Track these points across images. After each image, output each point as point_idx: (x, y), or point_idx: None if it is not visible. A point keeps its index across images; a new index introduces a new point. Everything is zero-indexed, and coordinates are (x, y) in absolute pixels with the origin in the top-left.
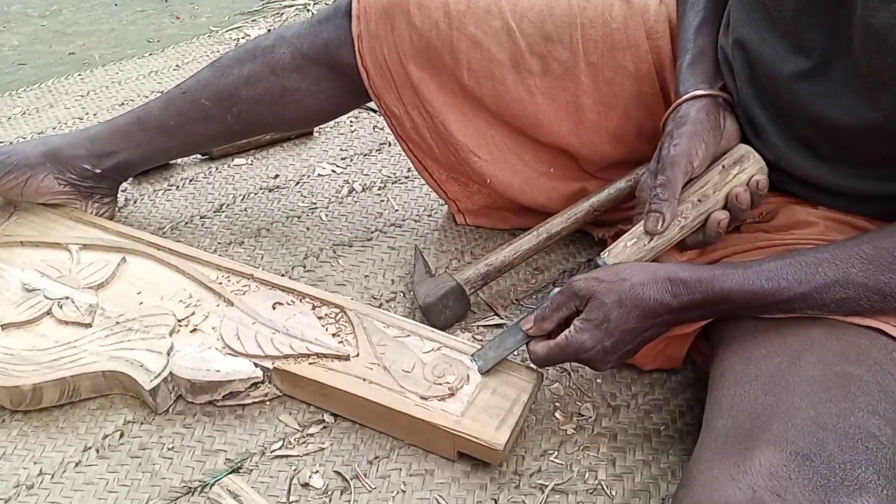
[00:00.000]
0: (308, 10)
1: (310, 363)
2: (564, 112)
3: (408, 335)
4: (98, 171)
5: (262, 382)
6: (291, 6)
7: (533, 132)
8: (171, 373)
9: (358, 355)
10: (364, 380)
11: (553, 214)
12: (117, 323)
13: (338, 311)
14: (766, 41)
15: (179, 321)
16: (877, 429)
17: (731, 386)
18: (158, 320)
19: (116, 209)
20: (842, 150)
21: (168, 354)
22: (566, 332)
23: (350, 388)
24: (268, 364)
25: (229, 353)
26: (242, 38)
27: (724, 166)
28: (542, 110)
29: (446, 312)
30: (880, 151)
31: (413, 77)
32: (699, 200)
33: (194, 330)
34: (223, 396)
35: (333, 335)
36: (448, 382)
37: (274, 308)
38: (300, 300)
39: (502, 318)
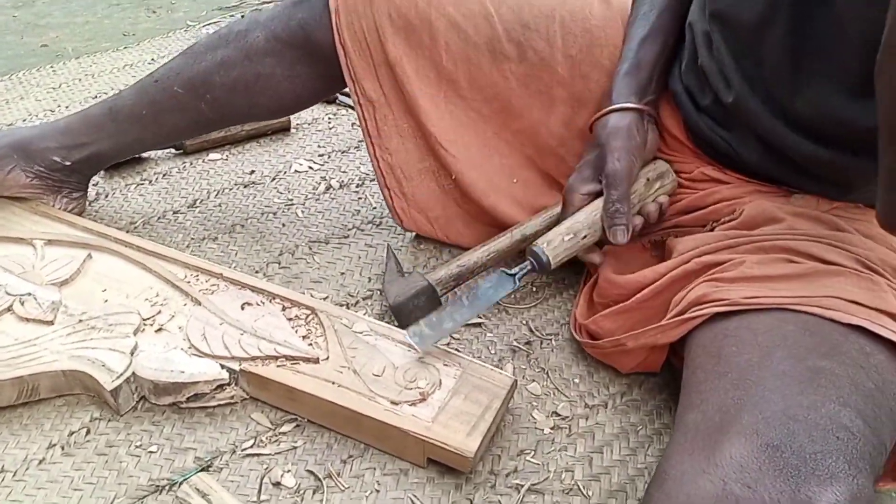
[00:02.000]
0: None
1: (277, 365)
2: (538, 101)
3: (380, 338)
4: (68, 163)
5: (228, 384)
6: (270, 1)
7: (505, 116)
8: (133, 373)
9: (328, 358)
10: (333, 383)
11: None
12: (80, 321)
13: (309, 312)
14: (742, 4)
15: (144, 320)
16: (848, 420)
17: (701, 382)
18: (123, 319)
19: (87, 204)
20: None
21: (131, 354)
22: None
23: (318, 391)
24: (234, 366)
25: (195, 354)
26: None
27: (648, 179)
28: (516, 95)
29: (417, 312)
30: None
31: (391, 56)
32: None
33: (160, 329)
34: (187, 398)
35: (303, 337)
36: (420, 387)
37: (243, 308)
38: (270, 301)
39: (479, 318)
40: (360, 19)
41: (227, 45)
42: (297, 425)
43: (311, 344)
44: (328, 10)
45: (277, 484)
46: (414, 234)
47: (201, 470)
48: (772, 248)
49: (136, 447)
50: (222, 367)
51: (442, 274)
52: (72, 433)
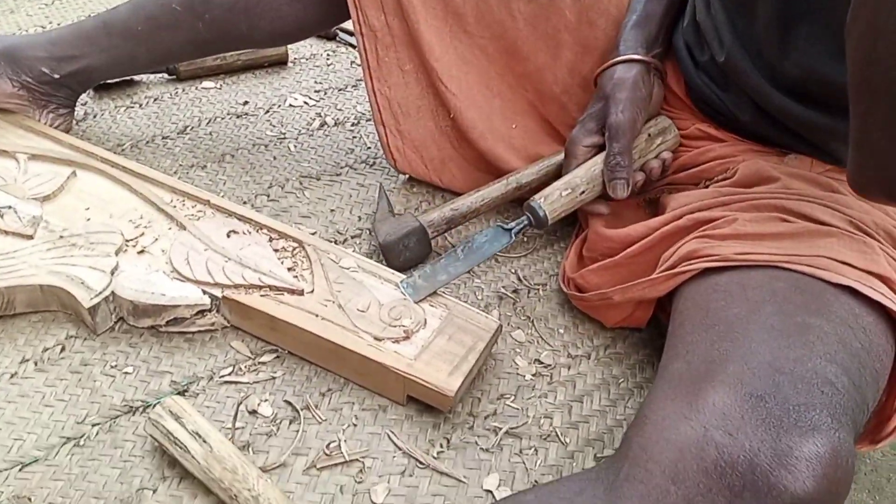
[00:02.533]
0: None
1: (261, 295)
2: (543, 43)
3: (367, 275)
4: (57, 76)
5: (210, 311)
6: None
7: (510, 58)
8: (113, 292)
9: (312, 291)
10: (316, 316)
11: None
12: (61, 237)
13: (296, 245)
14: None
15: (127, 241)
16: (834, 376)
17: (687, 333)
18: (104, 238)
19: (73, 122)
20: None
21: (112, 273)
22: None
23: (301, 322)
24: (216, 292)
25: (177, 278)
26: None
27: (650, 134)
28: (523, 36)
29: (406, 253)
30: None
31: None
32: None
33: (142, 251)
34: (167, 322)
35: (289, 269)
36: (404, 326)
37: (228, 236)
38: (257, 230)
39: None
40: None
41: None
42: (278, 356)
43: (296, 276)
44: None
45: (254, 412)
46: (407, 176)
47: (177, 394)
48: (765, 207)
49: (112, 367)
50: (204, 292)
51: (434, 216)
52: (46, 349)
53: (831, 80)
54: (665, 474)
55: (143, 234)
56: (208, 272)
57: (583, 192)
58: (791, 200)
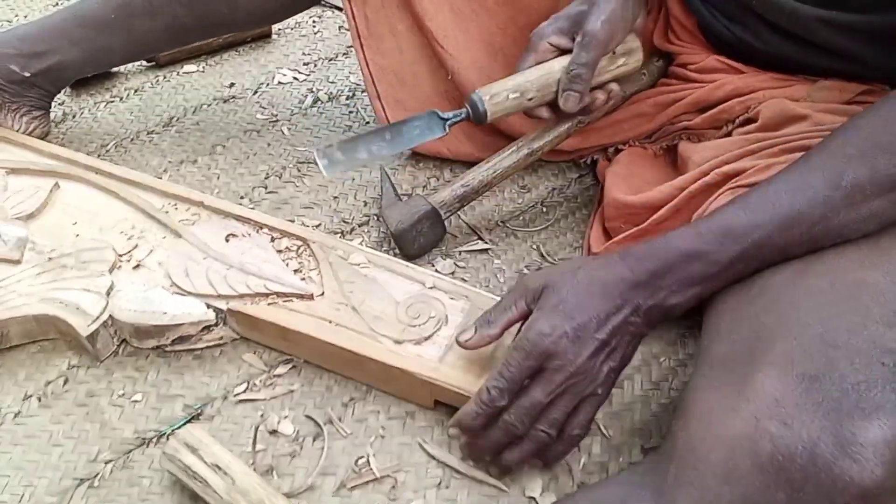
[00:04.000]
0: None
1: (269, 303)
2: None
3: (379, 270)
4: (27, 74)
5: (216, 325)
6: None
7: (511, 9)
8: (111, 316)
9: (323, 294)
10: (330, 322)
11: (507, 141)
12: (50, 259)
13: (300, 243)
14: None
15: (120, 256)
16: (894, 342)
17: (729, 309)
18: (96, 255)
19: (51, 125)
20: None
21: (108, 294)
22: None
23: (314, 331)
24: (221, 305)
25: (177, 293)
26: None
27: (614, 52)
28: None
29: (420, 239)
30: None
31: None
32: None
33: (137, 266)
34: (172, 341)
35: (295, 271)
36: (424, 324)
37: (227, 240)
38: (257, 231)
39: (486, 243)
40: None
41: None
42: (294, 366)
43: (304, 279)
44: None
45: (274, 431)
46: (408, 153)
47: (191, 419)
48: (798, 149)
49: (119, 396)
50: (208, 306)
51: (445, 196)
52: (48, 382)
53: None
54: (717, 475)
55: (136, 246)
56: (210, 283)
57: (531, 98)
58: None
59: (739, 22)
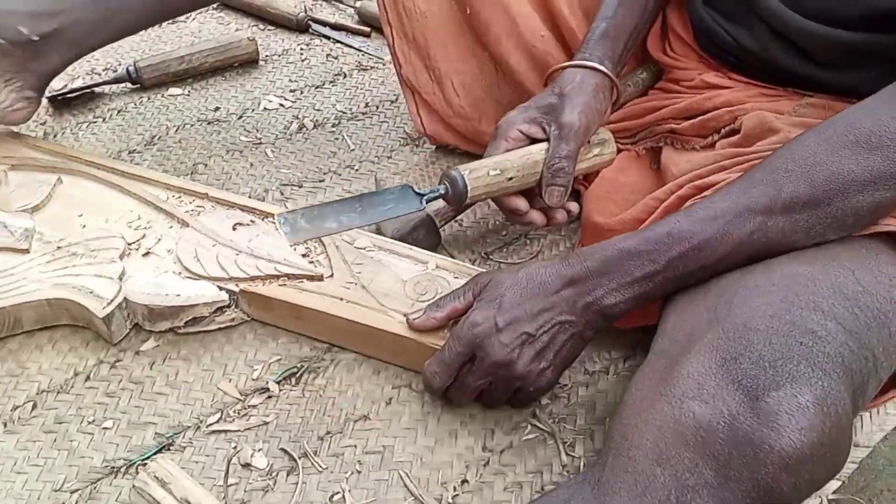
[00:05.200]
0: None
1: (280, 284)
2: (540, 11)
3: (384, 253)
4: (36, 37)
5: (229, 306)
6: None
7: (509, 33)
8: (125, 298)
9: (332, 275)
10: (341, 299)
11: None
12: (59, 248)
13: None
14: None
15: (129, 244)
16: (816, 324)
17: (677, 309)
18: (105, 244)
19: (33, 115)
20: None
21: (120, 279)
22: None
23: (327, 308)
24: (233, 286)
25: (189, 277)
26: None
27: (589, 141)
28: (522, 12)
29: (417, 247)
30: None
31: None
32: None
33: (147, 254)
34: (185, 322)
35: (303, 255)
36: (431, 299)
37: (234, 229)
38: (262, 219)
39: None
40: None
41: None
42: (269, 397)
43: (312, 262)
44: None
45: (247, 465)
46: (401, 167)
47: (161, 448)
48: None
49: (89, 423)
50: (220, 288)
51: (440, 204)
52: (16, 407)
53: None
54: (649, 458)
55: (144, 235)
56: (221, 267)
57: (511, 178)
58: None
59: (742, 25)
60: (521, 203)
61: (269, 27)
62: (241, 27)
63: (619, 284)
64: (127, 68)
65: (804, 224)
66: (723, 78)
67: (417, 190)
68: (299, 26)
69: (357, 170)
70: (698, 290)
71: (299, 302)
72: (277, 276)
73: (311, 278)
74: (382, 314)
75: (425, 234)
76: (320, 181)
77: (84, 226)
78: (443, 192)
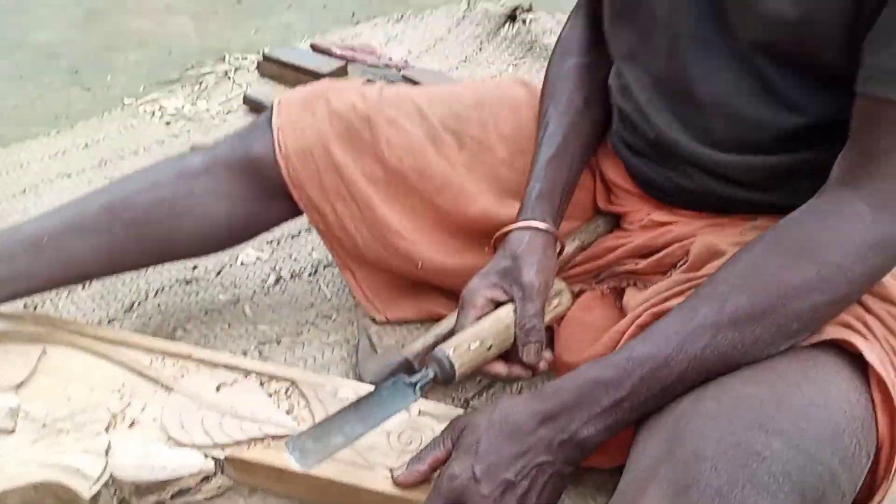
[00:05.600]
0: (229, 77)
1: (264, 446)
2: (486, 184)
3: None
4: None
5: (215, 474)
6: (211, 73)
7: (459, 205)
8: (111, 475)
9: None
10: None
11: None
12: (44, 425)
13: (288, 384)
14: (649, 48)
15: (115, 415)
16: (761, 445)
17: (638, 442)
18: (91, 416)
19: None
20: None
21: (106, 454)
22: None
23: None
24: (218, 453)
25: (175, 445)
26: (158, 110)
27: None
28: (466, 180)
29: None
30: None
31: (337, 158)
32: None
33: (132, 424)
34: (172, 495)
35: (287, 412)
36: (417, 449)
37: (218, 389)
38: (245, 377)
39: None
40: (304, 130)
41: (159, 167)
42: None
43: (295, 418)
44: (272, 129)
45: None
46: (374, 323)
47: None
48: None
49: None
50: (206, 455)
51: (418, 346)
52: None
53: (758, 122)
54: None
55: (129, 403)
56: (206, 433)
57: (490, 346)
58: None
59: (669, 167)
60: (500, 368)
61: None
62: None
63: (591, 416)
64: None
65: (752, 335)
66: (670, 214)
67: (408, 381)
68: None
69: (335, 320)
70: (658, 419)
71: (283, 465)
72: (262, 438)
73: None
74: (367, 470)
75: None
76: (298, 335)
77: (70, 398)
78: (432, 376)
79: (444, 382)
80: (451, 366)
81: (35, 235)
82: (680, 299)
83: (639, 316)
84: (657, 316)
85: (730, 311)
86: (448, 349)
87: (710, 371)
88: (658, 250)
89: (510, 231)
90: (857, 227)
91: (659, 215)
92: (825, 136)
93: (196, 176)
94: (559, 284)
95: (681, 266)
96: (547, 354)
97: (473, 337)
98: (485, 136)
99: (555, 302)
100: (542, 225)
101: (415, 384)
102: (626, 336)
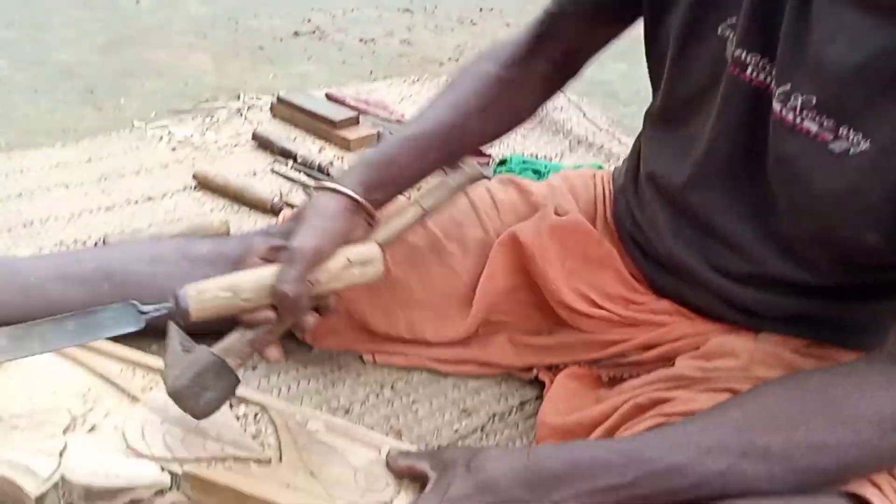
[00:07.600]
0: (241, 114)
1: (226, 467)
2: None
3: (337, 437)
4: None
5: (170, 489)
6: (224, 108)
7: (465, 304)
8: (62, 476)
9: (281, 459)
10: (288, 486)
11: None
12: (1, 420)
13: (258, 409)
14: (677, 170)
15: (75, 418)
16: None
17: None
18: (51, 417)
19: None
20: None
21: (60, 455)
22: None
23: (271, 495)
24: (176, 468)
25: (133, 455)
26: (167, 135)
27: (349, 260)
28: (472, 283)
29: (206, 394)
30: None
31: None
32: (310, 283)
33: (92, 429)
34: None
35: (253, 437)
36: (383, 490)
37: None
38: None
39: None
40: None
41: (165, 244)
42: None
43: (261, 444)
44: None
45: None
46: None
47: None
48: (723, 390)
49: None
50: (163, 469)
51: (233, 340)
52: None
53: (776, 276)
54: None
55: (92, 409)
56: (166, 446)
57: (247, 298)
58: (745, 385)
59: (680, 283)
60: (275, 354)
61: (244, 208)
62: (216, 208)
63: (580, 492)
64: (95, 243)
65: (771, 473)
66: (680, 316)
67: (141, 308)
68: (273, 210)
69: (313, 351)
70: None
71: (242, 488)
72: (224, 458)
73: (258, 462)
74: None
75: (214, 378)
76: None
77: (31, 397)
78: (166, 310)
79: (180, 318)
80: (186, 305)
81: (23, 274)
82: (684, 392)
83: (636, 396)
84: (655, 402)
85: (761, 447)
86: (192, 289)
87: (716, 493)
88: (666, 343)
89: (316, 189)
90: None
91: (673, 314)
92: (851, 292)
93: (199, 263)
94: (369, 253)
95: (686, 353)
96: (310, 319)
97: (228, 287)
98: (486, 237)
99: (356, 270)
100: (344, 189)
101: (144, 313)
102: (618, 413)
